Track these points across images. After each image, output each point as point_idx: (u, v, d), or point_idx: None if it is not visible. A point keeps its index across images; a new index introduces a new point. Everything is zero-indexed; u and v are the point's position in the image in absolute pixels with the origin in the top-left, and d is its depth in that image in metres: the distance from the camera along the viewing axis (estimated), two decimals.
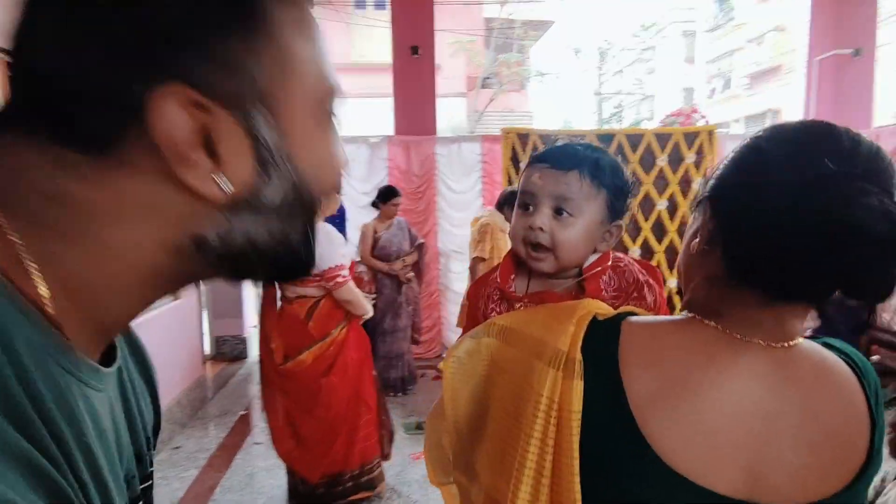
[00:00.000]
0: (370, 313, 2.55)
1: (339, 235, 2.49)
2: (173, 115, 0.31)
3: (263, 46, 0.33)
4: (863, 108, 5.03)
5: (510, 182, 4.39)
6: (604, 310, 0.62)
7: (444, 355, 3.74)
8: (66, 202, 0.32)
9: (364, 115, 11.57)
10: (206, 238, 0.35)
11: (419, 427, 3.43)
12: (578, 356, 0.57)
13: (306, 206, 0.38)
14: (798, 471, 0.52)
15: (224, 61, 0.32)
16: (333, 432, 2.43)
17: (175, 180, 0.32)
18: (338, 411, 2.44)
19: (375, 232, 4.01)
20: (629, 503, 0.54)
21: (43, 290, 0.32)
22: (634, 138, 4.42)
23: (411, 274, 4.07)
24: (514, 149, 4.40)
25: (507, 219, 3.40)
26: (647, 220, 4.34)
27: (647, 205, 4.36)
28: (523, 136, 4.42)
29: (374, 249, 4.00)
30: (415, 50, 4.72)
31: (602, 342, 0.57)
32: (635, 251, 4.32)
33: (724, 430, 0.52)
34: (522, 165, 4.36)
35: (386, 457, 2.76)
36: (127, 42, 0.30)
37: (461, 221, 4.81)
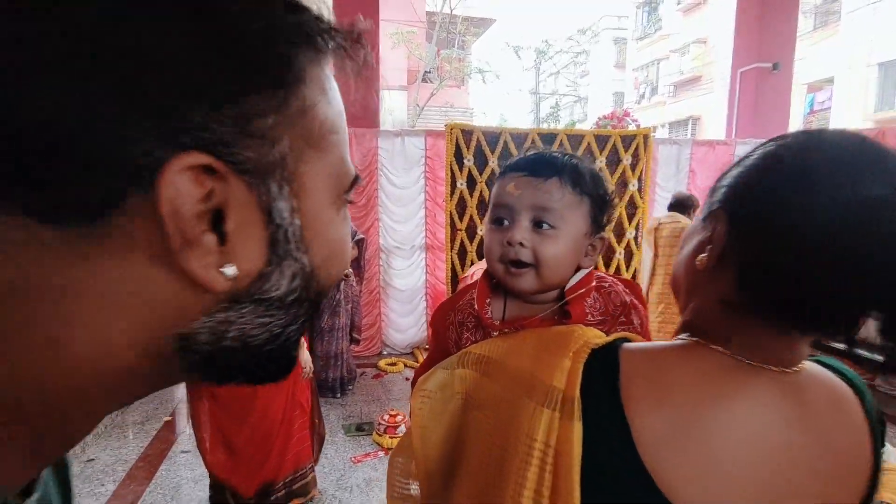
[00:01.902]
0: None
1: None
2: (185, 184, 0.24)
3: (293, 117, 0.28)
4: (780, 117, 5.43)
5: (453, 178, 4.34)
6: (598, 338, 0.55)
7: (384, 353, 3.67)
8: (17, 286, 0.23)
9: None
10: (195, 337, 0.27)
11: (360, 429, 3.32)
12: (577, 394, 0.50)
13: (312, 300, 0.32)
14: (809, 499, 0.49)
15: (248, 129, 0.26)
16: (269, 441, 2.29)
17: (169, 263, 0.25)
18: (274, 418, 2.30)
19: None
20: None
21: None
22: (575, 139, 4.51)
23: (349, 270, 3.93)
24: (458, 144, 4.36)
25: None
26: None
27: None
28: (467, 133, 4.39)
29: None
30: None
31: (601, 376, 0.51)
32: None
33: (740, 467, 0.47)
34: (466, 161, 4.33)
35: (315, 460, 2.64)
36: (142, 96, 0.23)
37: (403, 217, 4.72)
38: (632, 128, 5.44)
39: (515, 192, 0.69)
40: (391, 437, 3.10)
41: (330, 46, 0.29)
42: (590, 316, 0.72)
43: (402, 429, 3.13)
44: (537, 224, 0.69)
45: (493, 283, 0.77)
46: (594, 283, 0.74)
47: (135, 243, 0.24)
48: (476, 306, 0.75)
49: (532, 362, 0.56)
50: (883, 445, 0.54)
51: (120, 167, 0.23)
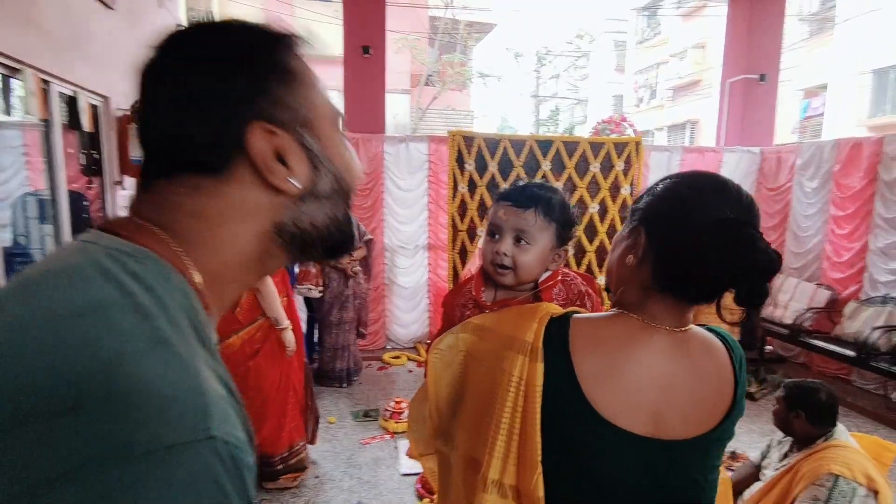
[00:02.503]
0: (282, 324, 2.55)
1: None
2: (259, 141, 0.46)
3: (298, 91, 0.49)
4: (766, 127, 5.67)
5: (455, 182, 4.60)
6: (557, 311, 0.83)
7: (388, 347, 3.97)
8: (198, 217, 0.47)
9: None
10: (284, 223, 0.49)
11: (367, 415, 3.58)
12: (540, 345, 0.77)
13: (345, 193, 0.53)
14: (687, 414, 0.75)
15: (280, 102, 0.48)
16: (262, 415, 2.53)
17: (264, 184, 0.48)
18: (267, 394, 2.54)
19: None
20: (577, 449, 0.75)
21: (198, 278, 0.47)
22: (571, 145, 4.76)
23: (358, 268, 4.18)
24: (459, 150, 4.61)
25: None
26: (579, 222, 4.69)
27: (581, 208, 4.71)
28: (469, 139, 4.64)
29: None
30: (366, 49, 4.81)
31: (556, 334, 0.78)
32: (569, 250, 4.67)
33: (641, 391, 0.74)
34: (467, 166, 4.58)
35: (312, 441, 2.89)
36: (225, 102, 0.46)
37: (407, 218, 4.97)
38: (628, 132, 5.70)
39: (504, 217, 1.02)
40: (396, 422, 3.35)
41: (300, 46, 0.51)
42: (555, 301, 1.01)
43: (406, 414, 3.38)
44: (517, 240, 1.00)
45: (487, 277, 1.06)
46: (559, 278, 1.04)
47: (244, 178, 0.47)
48: (474, 293, 1.05)
49: (512, 327, 0.82)
50: (744, 380, 0.79)
51: (229, 139, 0.45)
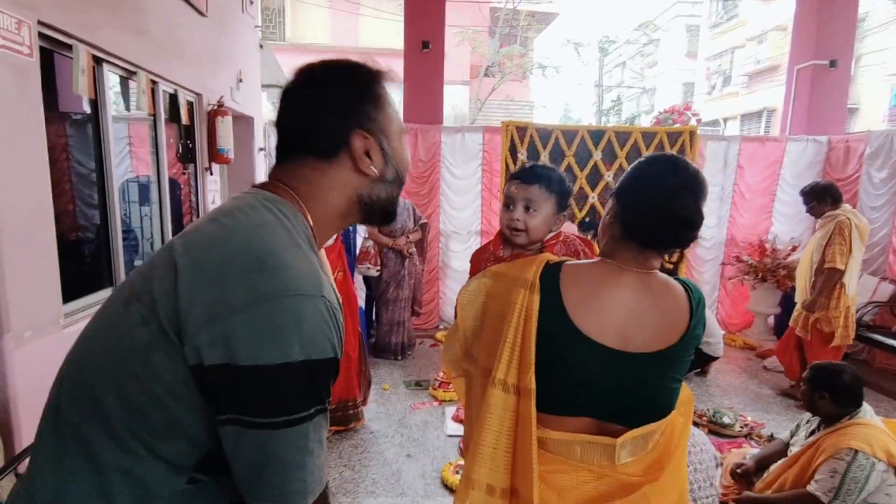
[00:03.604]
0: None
1: None
2: (357, 142, 0.76)
3: (383, 111, 0.78)
4: (836, 117, 5.44)
5: (508, 170, 4.80)
6: (554, 259, 1.08)
7: (441, 327, 4.29)
8: (314, 184, 0.77)
9: None
10: (362, 194, 0.80)
11: (418, 384, 3.90)
12: (538, 282, 1.02)
13: (400, 180, 0.84)
14: (649, 334, 0.98)
15: (371, 117, 0.77)
16: None
17: (355, 169, 0.77)
18: None
19: None
20: (563, 357, 1.00)
21: (310, 221, 0.76)
22: (623, 136, 4.83)
23: (413, 249, 4.50)
24: (512, 140, 4.81)
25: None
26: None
27: None
28: (521, 129, 4.83)
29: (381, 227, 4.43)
30: (425, 44, 5.09)
31: (552, 274, 1.03)
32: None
33: (613, 314, 0.98)
34: (520, 156, 4.78)
35: (364, 401, 3.25)
36: (340, 114, 0.76)
37: (461, 205, 5.24)
38: (692, 122, 5.65)
39: (515, 192, 1.34)
40: (444, 391, 3.65)
41: (384, 79, 0.79)
42: (557, 255, 1.25)
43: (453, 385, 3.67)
44: (526, 208, 1.27)
45: (504, 238, 1.33)
46: (562, 238, 1.29)
47: (345, 164, 0.76)
48: (493, 249, 1.33)
49: (518, 270, 1.08)
50: (700, 314, 1.01)
51: (340, 138, 0.75)
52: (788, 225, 5.20)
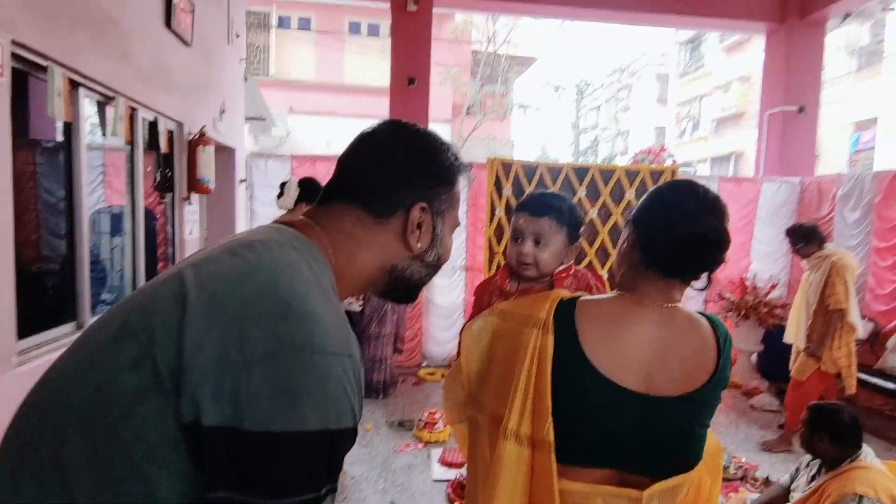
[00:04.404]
0: None
1: None
2: (416, 212, 0.71)
3: (451, 199, 0.75)
4: (806, 158, 5.65)
5: (493, 206, 4.79)
6: (567, 294, 1.00)
7: (424, 364, 4.15)
8: (352, 237, 0.70)
9: (354, 133, 11.94)
10: (397, 266, 0.73)
11: (401, 424, 3.73)
12: (551, 321, 0.94)
13: (436, 267, 0.78)
14: (674, 376, 0.90)
15: (438, 198, 0.73)
16: None
17: (401, 238, 0.72)
18: None
19: None
20: (582, 402, 0.91)
21: (332, 277, 0.67)
22: (607, 173, 4.90)
23: None
24: (497, 176, 4.82)
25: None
26: (614, 247, 4.79)
27: (615, 233, 4.82)
28: (507, 165, 4.85)
29: None
30: (411, 80, 5.15)
31: (566, 311, 0.95)
32: (604, 273, 4.76)
33: (635, 354, 0.90)
34: (505, 192, 4.78)
35: None
36: (417, 180, 0.72)
37: None
38: (668, 163, 5.79)
39: (524, 225, 1.24)
40: (430, 433, 3.49)
41: (465, 173, 0.77)
42: (567, 290, 1.18)
43: (440, 426, 3.51)
44: (536, 242, 1.19)
45: (511, 271, 1.25)
46: (572, 272, 1.22)
47: (395, 229, 0.70)
48: (500, 283, 1.24)
49: (529, 308, 1.00)
50: (727, 353, 0.94)
51: (403, 204, 0.70)
52: (766, 263, 5.28)
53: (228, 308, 0.54)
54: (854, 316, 3.51)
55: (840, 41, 13.20)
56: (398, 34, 5.25)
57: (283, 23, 12.82)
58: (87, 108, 2.88)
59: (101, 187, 4.24)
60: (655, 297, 0.93)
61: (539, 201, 1.27)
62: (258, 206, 4.95)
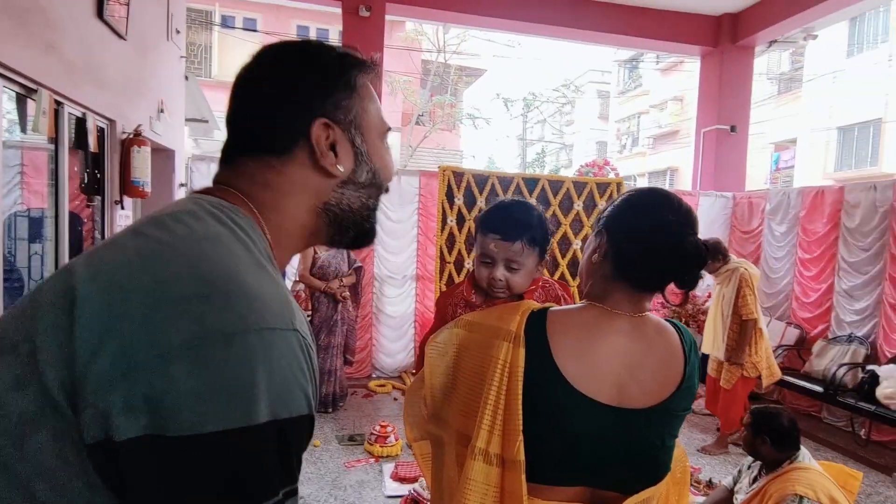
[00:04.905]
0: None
1: None
2: (318, 131, 0.59)
3: (359, 102, 0.62)
4: (737, 175, 6.01)
5: (444, 215, 4.77)
6: (536, 306, 0.97)
7: (374, 376, 4.04)
8: (271, 188, 0.59)
9: None
10: (330, 203, 0.62)
11: (352, 439, 3.60)
12: (522, 333, 0.91)
13: (378, 186, 0.66)
14: (645, 386, 0.89)
15: (340, 106, 0.61)
16: None
17: (317, 167, 0.60)
18: None
19: (315, 252, 4.20)
20: (554, 417, 0.88)
21: (268, 235, 0.59)
22: (556, 184, 4.99)
23: (347, 293, 4.28)
24: (449, 185, 4.80)
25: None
26: (563, 256, 4.88)
27: (564, 244, 4.91)
28: (458, 175, 4.85)
29: (313, 269, 4.18)
30: None
31: (536, 323, 0.92)
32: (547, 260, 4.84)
33: (607, 366, 0.88)
34: (457, 200, 4.77)
35: None
36: (299, 100, 0.59)
37: (397, 248, 5.11)
38: (611, 176, 5.98)
39: (495, 250, 1.18)
40: (381, 447, 3.38)
41: (367, 70, 0.64)
42: (535, 301, 1.15)
43: (392, 439, 3.42)
44: (508, 267, 1.13)
45: (478, 286, 1.20)
46: (540, 283, 1.19)
47: (303, 161, 0.58)
48: (465, 294, 1.20)
49: (497, 320, 0.96)
50: (694, 360, 0.94)
51: (298, 129, 0.58)
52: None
53: (132, 298, 0.45)
54: (762, 322, 3.80)
55: (762, 67, 14.26)
56: (350, 40, 5.16)
57: (226, 22, 12.36)
58: (6, 102, 2.62)
59: (18, 188, 3.88)
60: (626, 308, 0.91)
61: (511, 223, 1.16)
62: None
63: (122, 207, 3.83)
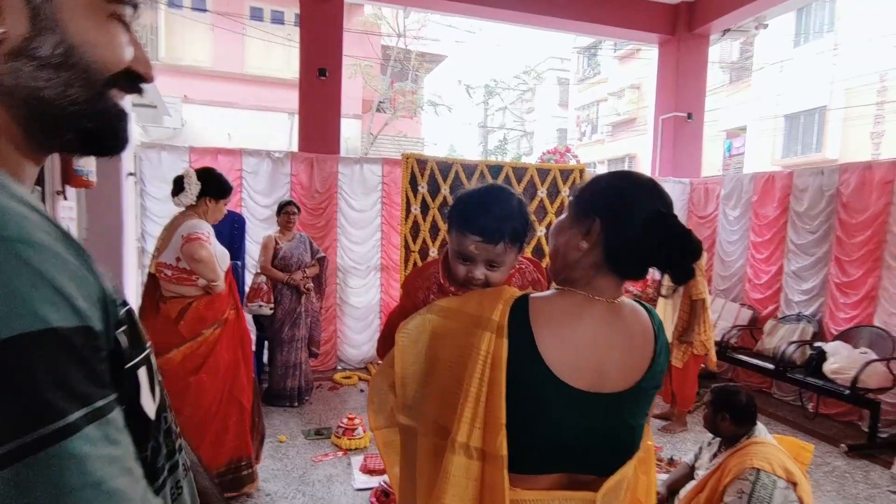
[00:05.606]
0: (219, 288, 2.49)
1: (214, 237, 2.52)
2: None
3: None
4: (693, 161, 6.18)
5: (408, 204, 4.71)
6: (517, 293, 0.95)
7: (339, 368, 3.97)
8: None
9: (256, 127, 11.26)
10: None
11: (319, 433, 3.54)
12: (506, 323, 0.88)
13: (83, 69, 0.46)
14: (623, 370, 0.89)
15: None
16: (202, 432, 2.44)
17: None
18: (207, 410, 2.47)
19: (277, 244, 4.08)
20: (537, 408, 0.86)
21: None
22: (520, 171, 5.01)
23: (311, 285, 4.18)
24: (413, 172, 4.74)
25: None
26: (527, 244, 4.92)
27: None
28: (422, 162, 4.79)
29: (275, 260, 4.06)
30: (322, 72, 4.91)
31: (519, 312, 0.89)
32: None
33: (587, 352, 0.87)
34: (420, 188, 4.72)
35: (257, 458, 2.79)
36: None
37: (360, 238, 5.02)
38: (572, 163, 6.05)
39: (475, 251, 1.06)
40: (349, 439, 3.34)
41: None
42: (513, 286, 1.13)
43: (360, 431, 3.38)
44: (488, 265, 1.06)
45: (450, 270, 1.14)
46: (516, 267, 1.15)
47: None
48: (436, 277, 1.14)
49: (478, 307, 0.93)
50: (663, 338, 0.94)
51: None
52: None
53: None
54: (708, 301, 4.00)
55: (714, 56, 14.71)
56: (308, 22, 4.98)
57: (174, 1, 11.76)
58: None
59: None
60: (608, 294, 0.91)
61: (492, 223, 1.05)
62: (150, 203, 4.47)
63: (66, 198, 3.59)
